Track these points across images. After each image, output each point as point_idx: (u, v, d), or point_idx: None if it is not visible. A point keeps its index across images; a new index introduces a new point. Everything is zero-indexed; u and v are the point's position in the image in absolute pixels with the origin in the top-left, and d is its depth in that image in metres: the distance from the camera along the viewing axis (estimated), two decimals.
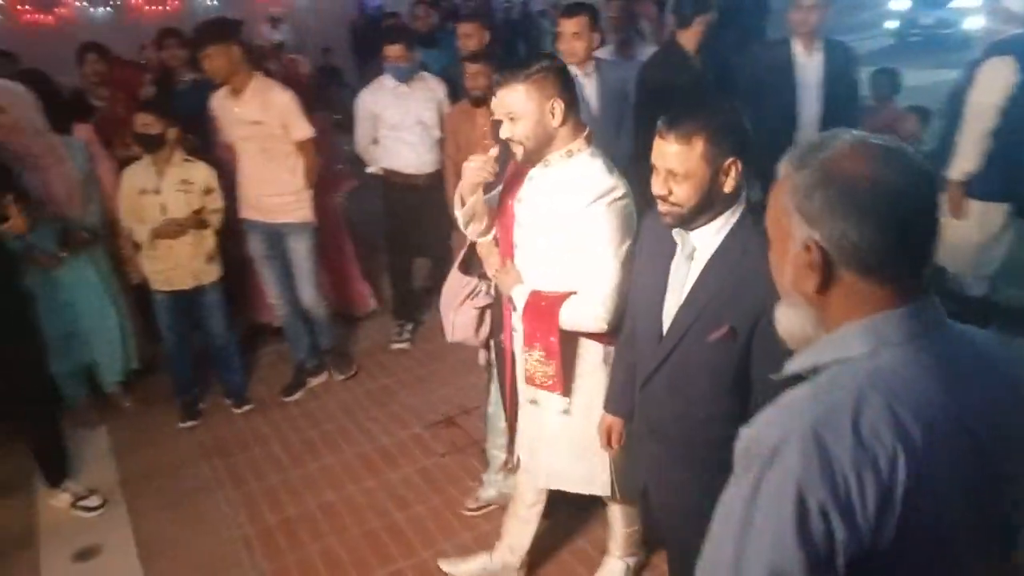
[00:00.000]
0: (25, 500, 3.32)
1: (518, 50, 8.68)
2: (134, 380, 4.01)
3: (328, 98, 5.43)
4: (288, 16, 8.65)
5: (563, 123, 2.01)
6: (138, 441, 3.70)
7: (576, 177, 2.03)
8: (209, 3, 9.62)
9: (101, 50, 4.57)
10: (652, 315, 1.80)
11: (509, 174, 2.24)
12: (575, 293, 2.08)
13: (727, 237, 1.69)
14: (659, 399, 1.82)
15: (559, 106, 1.99)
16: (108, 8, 9.11)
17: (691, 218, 1.68)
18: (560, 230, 2.04)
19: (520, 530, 2.56)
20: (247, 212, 3.79)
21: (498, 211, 2.27)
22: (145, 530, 3.11)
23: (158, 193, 3.48)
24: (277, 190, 3.69)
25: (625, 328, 2.03)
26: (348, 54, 8.54)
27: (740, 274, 1.64)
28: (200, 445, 3.64)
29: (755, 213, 1.68)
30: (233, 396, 3.91)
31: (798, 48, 3.68)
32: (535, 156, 2.05)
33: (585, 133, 2.07)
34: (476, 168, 2.13)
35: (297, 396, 3.98)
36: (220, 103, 3.70)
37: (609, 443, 2.11)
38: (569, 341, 2.14)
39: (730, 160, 1.63)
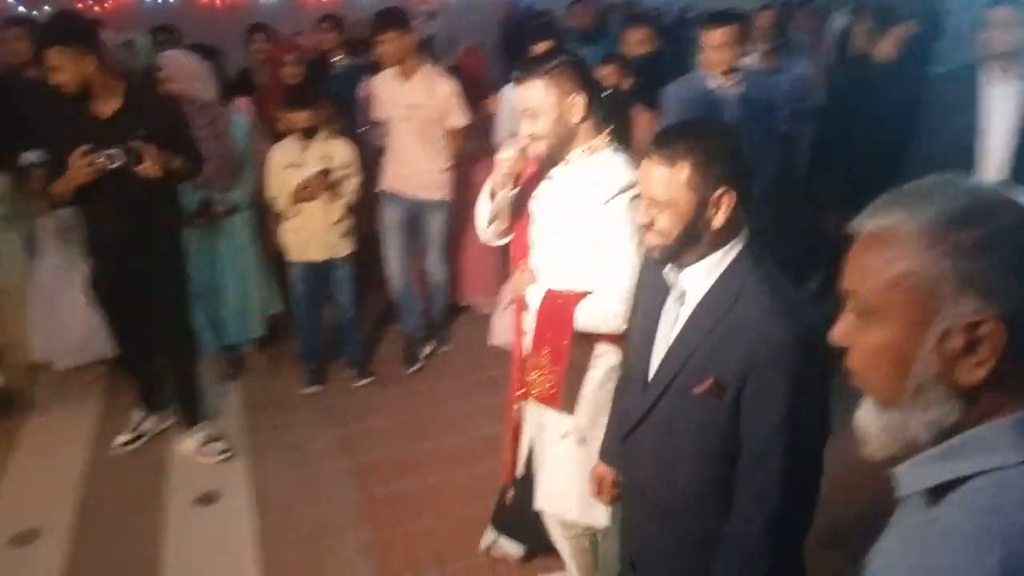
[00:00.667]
0: (155, 442, 3.56)
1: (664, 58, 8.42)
2: (266, 343, 4.24)
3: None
4: (441, 11, 8.88)
5: (584, 119, 1.96)
6: (265, 400, 3.89)
7: (597, 173, 1.97)
8: None
9: (268, 31, 4.86)
10: (641, 361, 1.62)
11: (527, 174, 2.17)
12: (591, 293, 2.00)
13: (720, 279, 1.48)
14: (641, 457, 1.64)
15: (580, 101, 1.94)
16: None
17: (677, 253, 1.49)
18: (578, 228, 1.99)
19: (577, 558, 2.39)
20: (390, 184, 3.98)
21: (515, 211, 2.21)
22: (263, 484, 3.26)
23: (301, 167, 3.64)
24: (425, 169, 3.87)
25: (623, 370, 1.90)
26: (497, 51, 8.64)
27: (730, 321, 1.43)
28: (320, 412, 3.78)
29: (756, 253, 1.49)
30: (354, 368, 4.05)
31: (988, 75, 3.05)
32: (556, 153, 2.01)
33: (608, 129, 2.01)
34: (511, 159, 2.07)
35: (417, 367, 4.12)
36: (386, 84, 3.91)
37: (600, 493, 1.95)
38: (578, 353, 2.06)
39: (721, 191, 1.43)
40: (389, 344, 4.41)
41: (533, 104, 1.95)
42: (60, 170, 2.90)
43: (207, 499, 3.18)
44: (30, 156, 3.52)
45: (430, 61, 4.01)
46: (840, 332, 0.87)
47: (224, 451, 3.43)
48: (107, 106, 2.94)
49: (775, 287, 1.44)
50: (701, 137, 1.45)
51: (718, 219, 1.44)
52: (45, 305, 3.80)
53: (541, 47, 3.91)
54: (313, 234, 3.72)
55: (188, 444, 3.46)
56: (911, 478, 0.83)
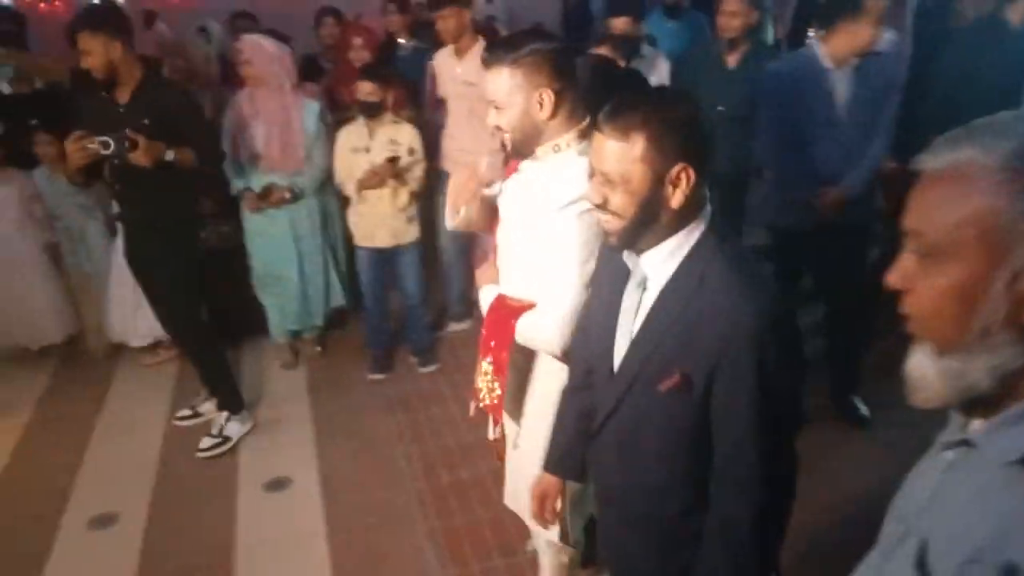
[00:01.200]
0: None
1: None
2: (332, 328, 4.26)
3: None
4: None
5: (553, 115, 1.74)
6: (331, 386, 3.91)
7: (558, 174, 1.75)
8: None
9: (337, 14, 4.85)
10: (605, 354, 1.49)
11: (508, 167, 2.01)
12: (534, 306, 1.83)
13: (682, 264, 1.36)
14: (608, 459, 1.54)
15: (548, 97, 1.72)
16: None
17: (634, 236, 1.37)
18: (532, 231, 1.80)
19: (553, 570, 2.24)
20: (446, 163, 3.94)
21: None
22: (330, 469, 3.27)
23: (368, 152, 3.62)
24: (475, 148, 3.76)
25: (574, 369, 1.73)
26: (559, 29, 8.47)
27: (696, 309, 1.32)
28: (386, 398, 3.78)
29: (721, 234, 1.37)
30: (420, 355, 4.04)
31: None
32: (523, 149, 1.81)
33: (581, 126, 1.78)
34: (463, 183, 2.03)
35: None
36: (443, 60, 3.90)
37: (543, 512, 1.81)
38: (520, 359, 1.92)
39: (679, 167, 1.30)
40: (455, 331, 4.39)
41: (498, 95, 1.75)
42: None
43: (277, 485, 3.21)
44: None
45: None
46: (899, 275, 0.83)
47: (218, 454, 3.40)
48: (124, 94, 3.05)
49: (741, 269, 1.33)
50: (658, 108, 1.31)
51: (676, 198, 1.32)
52: (120, 286, 3.91)
53: (620, 23, 3.76)
54: (380, 220, 3.70)
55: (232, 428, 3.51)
56: (1000, 442, 0.77)
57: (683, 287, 1.35)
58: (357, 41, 4.43)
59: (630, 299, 1.44)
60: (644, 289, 1.42)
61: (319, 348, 4.22)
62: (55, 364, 4.21)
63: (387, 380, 3.94)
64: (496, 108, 1.77)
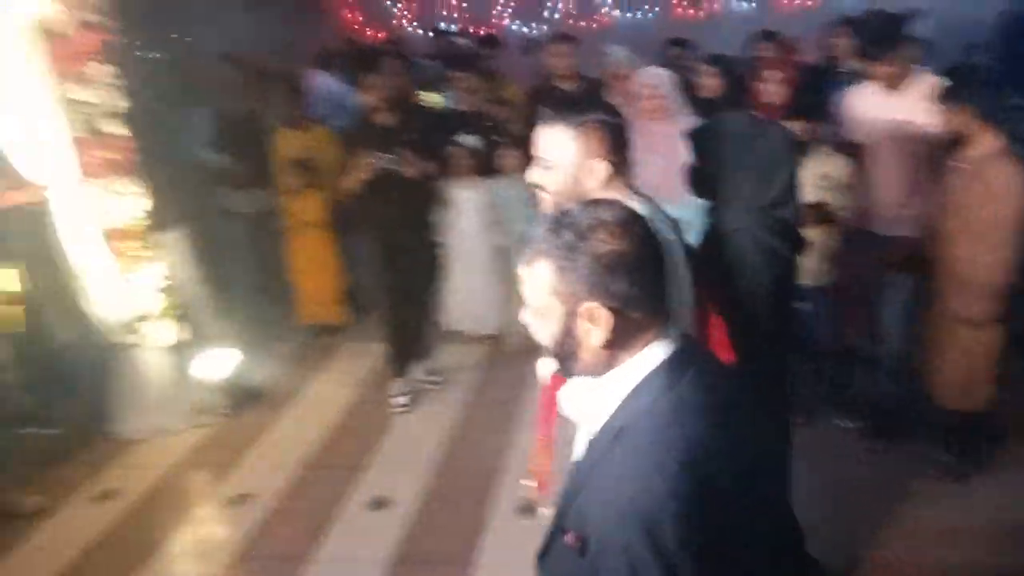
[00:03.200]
0: (498, 432, 3.86)
1: None
2: None
3: None
4: (931, 11, 7.97)
5: (599, 187, 1.74)
6: None
7: None
8: None
9: (771, 37, 4.79)
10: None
11: None
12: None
13: (616, 409, 1.19)
14: None
15: (602, 168, 1.73)
16: (752, 3, 9.65)
17: (567, 369, 1.24)
18: None
19: None
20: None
21: None
22: None
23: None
24: (896, 194, 3.42)
25: None
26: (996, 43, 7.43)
27: (600, 469, 1.16)
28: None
29: (670, 382, 1.16)
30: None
31: None
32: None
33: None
34: None
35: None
36: (869, 93, 3.53)
37: None
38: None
39: (591, 305, 1.14)
40: None
41: (551, 155, 1.76)
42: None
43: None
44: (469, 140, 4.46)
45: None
46: None
47: (402, 405, 4.10)
48: (383, 119, 3.92)
49: (661, 441, 1.11)
50: (562, 234, 1.16)
51: (595, 337, 1.16)
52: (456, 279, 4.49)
53: None
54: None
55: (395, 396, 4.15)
56: None
57: (603, 438, 1.20)
58: (774, 75, 4.25)
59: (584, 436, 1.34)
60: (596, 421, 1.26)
61: None
62: (487, 352, 4.76)
63: None
64: (545, 167, 1.78)
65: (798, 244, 2.38)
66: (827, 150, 3.49)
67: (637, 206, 1.66)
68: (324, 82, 6.46)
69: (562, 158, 1.77)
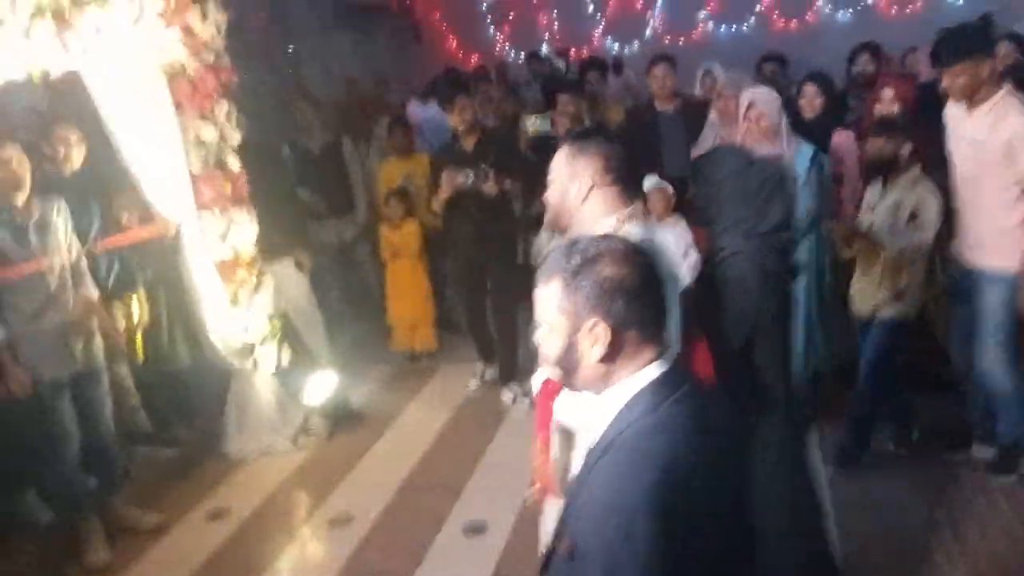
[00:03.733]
0: None
1: None
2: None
3: None
4: None
5: (585, 203, 1.96)
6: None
7: None
8: (956, 2, 8.97)
9: (875, 51, 4.62)
10: None
11: None
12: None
13: (611, 422, 1.31)
14: None
15: (586, 186, 1.95)
16: (849, 11, 9.32)
17: (568, 383, 1.37)
18: None
19: None
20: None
21: None
22: None
23: (872, 212, 3.35)
24: (975, 220, 3.17)
25: None
26: None
27: (593, 477, 1.28)
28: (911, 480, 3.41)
29: (656, 401, 1.28)
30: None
31: None
32: (554, 226, 2.11)
33: (625, 210, 1.95)
34: None
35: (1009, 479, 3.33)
36: (952, 114, 3.25)
37: None
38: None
39: (592, 321, 1.27)
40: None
41: (552, 172, 2.03)
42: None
43: None
44: None
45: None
46: None
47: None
48: (469, 143, 4.26)
49: (639, 447, 1.24)
50: (573, 255, 1.30)
51: (594, 353, 1.29)
52: None
53: None
54: (868, 286, 3.42)
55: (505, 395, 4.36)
56: None
57: (595, 451, 1.32)
58: (887, 93, 4.10)
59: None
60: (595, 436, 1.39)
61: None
62: None
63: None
64: (548, 183, 2.04)
65: (792, 268, 2.62)
66: (915, 176, 3.30)
67: (631, 228, 1.91)
68: (425, 111, 6.65)
69: (558, 174, 2.03)
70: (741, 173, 2.42)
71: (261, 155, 4.47)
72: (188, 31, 3.59)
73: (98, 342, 3.58)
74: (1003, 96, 3.02)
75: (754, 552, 1.41)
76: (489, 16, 10.35)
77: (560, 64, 8.36)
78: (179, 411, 4.36)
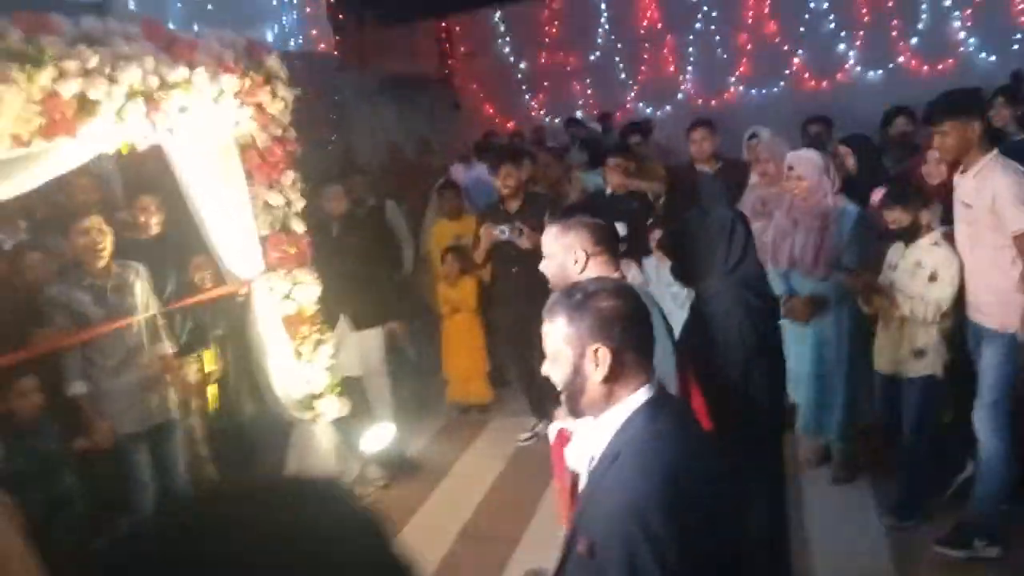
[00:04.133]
0: None
1: None
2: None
3: None
4: None
5: (584, 271, 2.20)
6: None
7: None
8: (987, 59, 9.14)
9: (908, 113, 4.78)
10: None
11: None
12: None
13: (614, 437, 1.53)
14: None
15: (581, 258, 2.23)
16: (880, 71, 9.52)
17: (573, 406, 1.59)
18: None
19: None
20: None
21: None
22: None
23: (894, 270, 3.51)
24: (979, 286, 3.22)
25: None
26: None
27: (605, 483, 1.50)
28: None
29: (657, 408, 1.53)
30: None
31: None
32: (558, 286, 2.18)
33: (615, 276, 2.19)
34: None
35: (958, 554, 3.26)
36: (955, 178, 3.32)
37: None
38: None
39: (594, 347, 1.50)
40: None
41: (546, 248, 2.30)
42: None
43: None
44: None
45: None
46: None
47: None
48: (512, 205, 4.64)
49: (644, 453, 1.45)
50: (575, 292, 1.55)
51: (597, 375, 1.49)
52: None
53: None
54: (888, 343, 3.52)
55: None
56: None
57: (606, 459, 1.51)
58: (933, 155, 4.15)
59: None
60: (592, 458, 1.59)
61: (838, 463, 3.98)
62: None
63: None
64: (544, 258, 2.31)
65: (770, 298, 2.85)
66: (936, 238, 3.40)
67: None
68: (468, 173, 6.95)
69: (551, 249, 2.29)
70: (701, 226, 2.71)
71: (357, 223, 4.87)
72: (260, 108, 3.89)
73: (172, 396, 3.81)
74: (990, 160, 3.08)
75: (743, 554, 1.61)
76: (524, 85, 10.78)
77: (596, 127, 8.67)
78: (243, 461, 4.53)
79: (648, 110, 10.24)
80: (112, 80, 3.04)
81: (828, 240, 3.69)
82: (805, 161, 3.77)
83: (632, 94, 10.39)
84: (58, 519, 3.39)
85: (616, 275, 2.23)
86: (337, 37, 8.58)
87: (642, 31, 10.33)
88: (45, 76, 2.80)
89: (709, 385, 2.32)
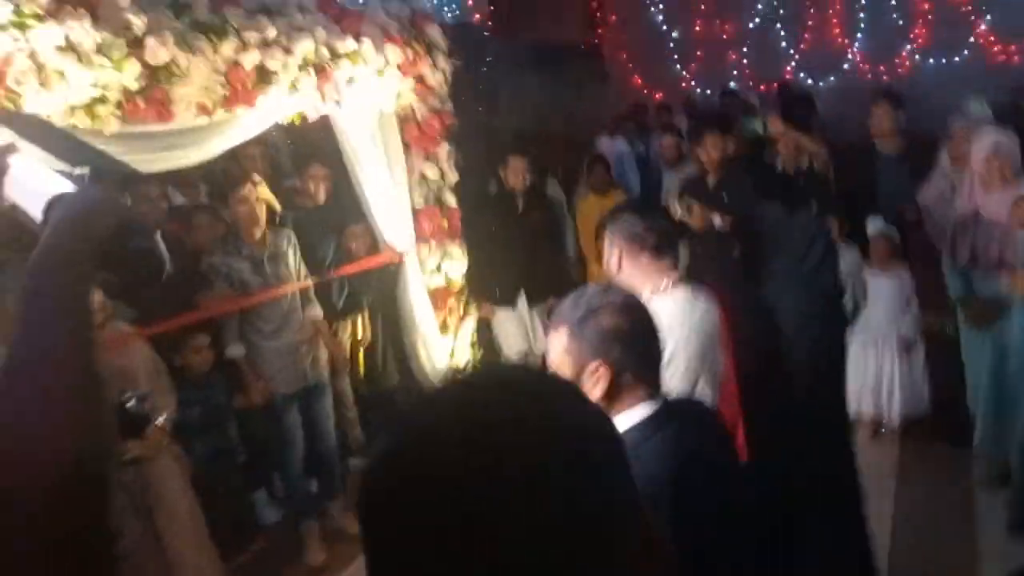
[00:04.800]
0: None
1: None
2: None
3: None
4: None
5: (620, 272, 2.25)
6: None
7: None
8: None
9: None
10: None
11: None
12: None
13: None
14: None
15: (615, 256, 2.24)
16: None
17: None
18: None
19: None
20: None
21: None
22: None
23: None
24: None
25: None
26: None
27: None
28: None
29: (659, 423, 1.49)
30: None
31: None
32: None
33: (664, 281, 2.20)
34: None
35: None
36: None
37: None
38: None
39: (595, 363, 1.48)
40: None
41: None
42: None
43: None
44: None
45: None
46: None
47: None
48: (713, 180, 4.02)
49: (646, 456, 1.39)
50: (580, 305, 1.54)
51: (596, 391, 1.48)
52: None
53: None
54: None
55: None
56: None
57: None
58: None
59: None
60: None
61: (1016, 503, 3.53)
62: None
63: None
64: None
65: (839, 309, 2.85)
66: None
67: (659, 304, 1.99)
68: (616, 146, 6.76)
69: (604, 243, 2.26)
70: (782, 226, 2.67)
71: (538, 198, 4.86)
72: (421, 79, 3.89)
73: (324, 358, 3.93)
74: None
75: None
76: (676, 55, 10.35)
77: (753, 98, 8.19)
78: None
79: (809, 81, 9.58)
80: (287, 51, 3.10)
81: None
82: (998, 144, 3.40)
83: (792, 64, 9.74)
84: (220, 471, 3.60)
85: (659, 284, 2.18)
86: (491, 7, 8.53)
87: None
88: (228, 47, 2.88)
89: (769, 392, 2.32)
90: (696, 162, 4.37)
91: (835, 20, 9.50)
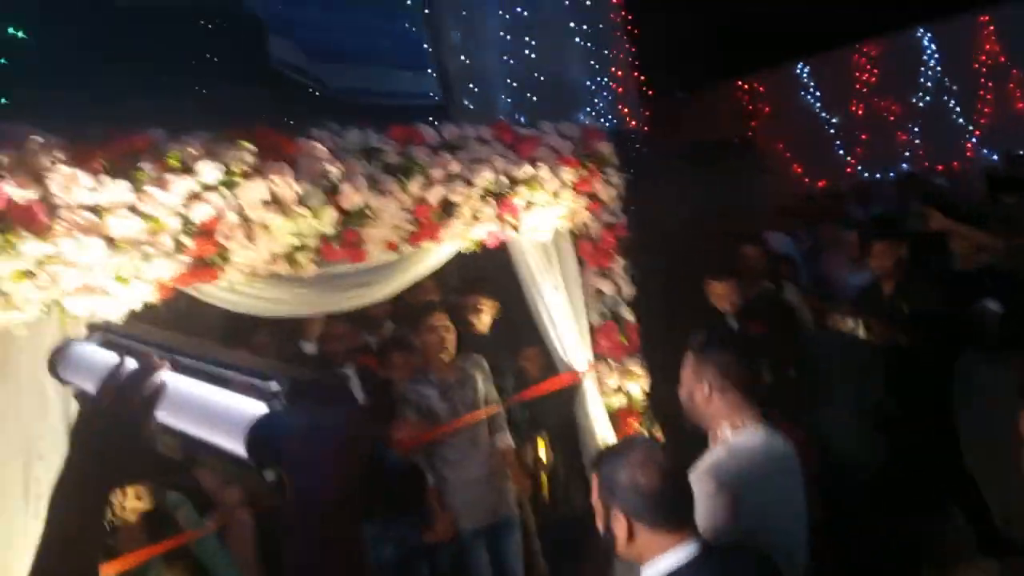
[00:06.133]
0: None
1: None
2: None
3: None
4: None
5: (709, 406, 2.23)
6: None
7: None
8: None
9: None
10: None
11: None
12: None
13: None
14: None
15: (705, 390, 2.19)
16: None
17: (617, 556, 1.73)
18: None
19: None
20: None
21: None
22: None
23: None
24: None
25: None
26: None
27: None
28: None
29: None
30: None
31: None
32: (689, 419, 2.31)
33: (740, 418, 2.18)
34: None
35: None
36: None
37: None
38: None
39: (615, 513, 1.67)
40: None
41: (682, 374, 2.25)
42: None
43: None
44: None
45: None
46: None
47: None
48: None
49: None
50: (605, 455, 1.79)
51: (620, 535, 1.67)
52: None
53: None
54: None
55: None
56: None
57: None
58: None
59: None
60: None
61: None
62: None
63: None
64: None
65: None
66: None
67: (739, 439, 2.10)
68: (784, 241, 6.40)
69: (686, 376, 2.23)
70: (840, 353, 2.82)
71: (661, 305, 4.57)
72: (594, 196, 3.82)
73: (512, 489, 3.76)
74: None
75: None
76: (837, 140, 9.90)
77: (941, 181, 7.57)
78: (573, 556, 4.38)
79: (994, 157, 8.79)
80: (469, 183, 3.12)
81: None
82: None
83: (973, 139, 9.02)
84: None
85: (739, 420, 2.15)
86: (646, 112, 8.55)
87: (978, 66, 9.00)
88: (415, 185, 2.93)
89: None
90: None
91: (1016, 90, 8.78)
